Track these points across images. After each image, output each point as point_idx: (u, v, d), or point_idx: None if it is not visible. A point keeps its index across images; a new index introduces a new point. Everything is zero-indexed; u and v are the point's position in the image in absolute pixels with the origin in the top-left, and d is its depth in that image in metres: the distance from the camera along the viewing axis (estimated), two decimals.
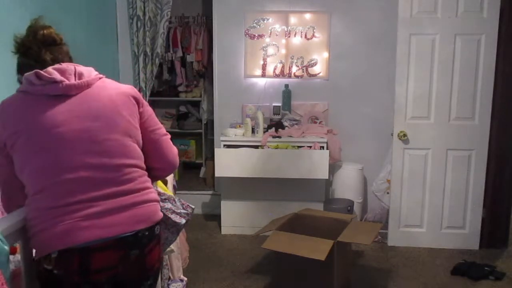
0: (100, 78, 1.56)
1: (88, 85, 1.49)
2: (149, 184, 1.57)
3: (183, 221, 1.95)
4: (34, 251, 1.45)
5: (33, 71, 1.43)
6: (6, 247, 1.25)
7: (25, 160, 1.40)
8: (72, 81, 1.45)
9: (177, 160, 1.69)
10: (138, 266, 1.50)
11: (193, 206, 2.06)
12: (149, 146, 1.60)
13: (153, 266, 1.56)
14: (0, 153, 1.44)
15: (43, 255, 1.39)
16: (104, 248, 1.40)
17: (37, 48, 1.48)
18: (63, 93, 1.44)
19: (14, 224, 1.39)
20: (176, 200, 2.02)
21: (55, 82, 1.42)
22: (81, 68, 1.52)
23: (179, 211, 1.96)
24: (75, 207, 1.37)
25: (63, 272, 1.38)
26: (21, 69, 1.50)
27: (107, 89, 1.53)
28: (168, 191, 2.24)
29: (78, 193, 1.39)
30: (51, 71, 1.44)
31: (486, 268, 3.25)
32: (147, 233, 1.49)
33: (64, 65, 1.49)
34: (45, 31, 1.51)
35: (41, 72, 1.42)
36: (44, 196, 1.39)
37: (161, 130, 1.66)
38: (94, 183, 1.41)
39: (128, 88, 1.59)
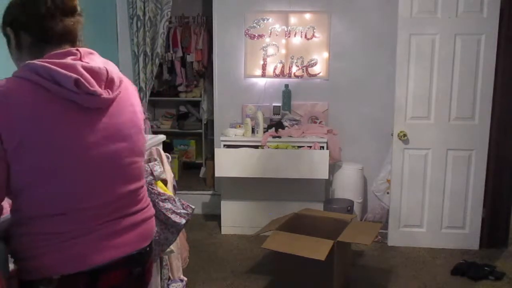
0: (121, 81, 1.32)
1: (118, 95, 1.28)
2: (149, 199, 1.51)
3: (183, 221, 1.94)
4: (26, 273, 1.23)
5: (69, 74, 1.15)
6: (3, 246, 1.25)
7: (45, 176, 1.17)
8: (106, 94, 1.23)
9: None
10: (139, 283, 1.43)
11: (193, 206, 2.05)
12: None
13: (150, 281, 1.50)
14: None
15: (43, 277, 1.21)
16: (112, 268, 1.29)
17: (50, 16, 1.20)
18: (97, 107, 1.22)
19: None
20: (176, 200, 2.02)
21: (93, 94, 1.18)
22: (110, 68, 1.28)
23: (179, 211, 1.96)
24: (91, 230, 1.24)
25: None
26: (14, 25, 1.23)
27: (129, 97, 1.35)
28: (168, 191, 2.24)
29: (98, 218, 1.25)
30: (89, 78, 1.19)
31: (486, 268, 3.25)
32: (148, 249, 1.43)
33: (95, 65, 1.23)
34: None
35: (82, 81, 1.16)
36: (63, 220, 1.20)
37: None
38: (115, 209, 1.30)
39: (136, 92, 1.45)
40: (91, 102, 1.19)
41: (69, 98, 1.16)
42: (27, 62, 1.16)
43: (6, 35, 1.27)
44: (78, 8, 1.29)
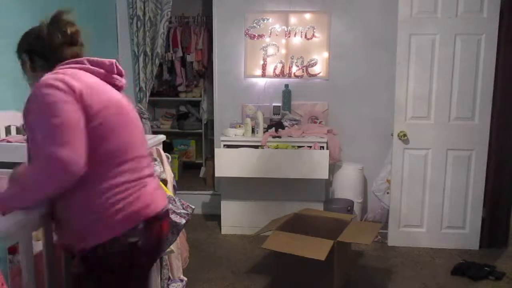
0: None
1: None
2: None
3: (183, 221, 1.95)
4: (109, 231, 1.42)
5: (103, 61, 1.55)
6: (3, 244, 1.25)
7: (114, 130, 1.45)
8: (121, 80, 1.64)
9: None
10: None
11: (193, 206, 2.06)
12: None
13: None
14: (73, 102, 1.36)
15: (132, 227, 1.44)
16: (166, 217, 1.61)
17: (56, 38, 1.51)
18: (121, 86, 1.63)
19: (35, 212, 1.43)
20: (176, 200, 2.02)
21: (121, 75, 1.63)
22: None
23: (179, 211, 1.96)
24: (146, 183, 1.53)
25: (146, 242, 1.48)
26: (31, 51, 1.53)
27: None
28: (168, 191, 2.24)
29: (146, 169, 1.56)
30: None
31: (486, 268, 3.25)
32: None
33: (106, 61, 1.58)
34: (72, 28, 1.54)
35: (117, 64, 1.59)
36: (127, 169, 1.47)
37: None
38: (149, 165, 1.61)
39: None
40: (120, 81, 1.60)
41: (106, 79, 1.53)
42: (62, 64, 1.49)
43: (21, 59, 1.55)
44: (80, 40, 1.58)
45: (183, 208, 1.95)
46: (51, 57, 1.50)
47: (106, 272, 1.45)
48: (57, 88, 1.36)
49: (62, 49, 1.51)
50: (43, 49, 1.51)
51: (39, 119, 1.35)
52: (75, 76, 1.42)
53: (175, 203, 1.99)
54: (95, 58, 1.54)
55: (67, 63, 1.49)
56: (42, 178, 1.33)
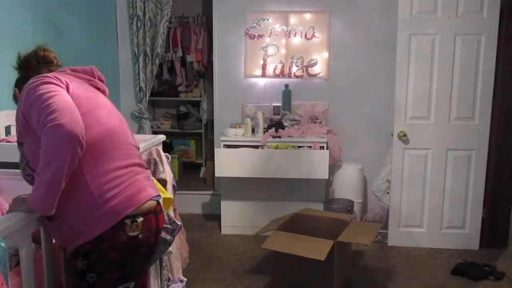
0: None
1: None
2: None
3: (168, 237, 1.94)
4: (108, 219, 1.46)
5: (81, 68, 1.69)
6: (3, 244, 1.25)
7: (99, 121, 1.53)
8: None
9: None
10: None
11: (179, 222, 2.04)
12: None
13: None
14: (63, 88, 1.49)
15: (128, 214, 1.48)
16: (161, 211, 1.67)
17: (36, 63, 1.63)
18: (103, 90, 1.74)
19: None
20: (164, 214, 1.99)
21: (102, 81, 1.76)
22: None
23: (165, 225, 1.94)
24: (138, 169, 1.61)
25: (146, 235, 1.54)
26: (20, 81, 1.62)
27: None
28: (167, 192, 2.23)
29: (136, 158, 1.64)
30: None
31: (486, 268, 3.25)
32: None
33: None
34: (45, 52, 1.67)
35: (96, 69, 1.72)
36: (115, 155, 1.53)
37: None
38: (137, 155, 1.67)
39: None
40: (102, 86, 1.72)
41: (90, 83, 1.66)
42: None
43: (14, 95, 1.69)
44: (55, 60, 1.70)
45: (169, 224, 1.94)
46: (30, 70, 1.62)
47: (107, 265, 1.48)
48: (46, 78, 1.48)
49: (36, 65, 1.64)
50: (27, 74, 1.60)
51: (33, 102, 1.42)
52: (59, 74, 1.56)
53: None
54: (77, 67, 1.68)
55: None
56: (54, 151, 1.35)
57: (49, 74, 1.52)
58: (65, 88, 1.49)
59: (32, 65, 1.62)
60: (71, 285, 1.56)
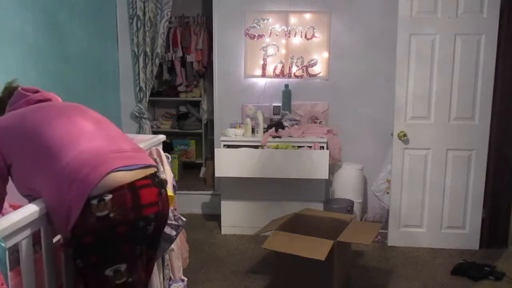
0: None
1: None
2: None
3: (174, 232, 1.95)
4: (78, 201, 1.44)
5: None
6: (3, 244, 1.26)
7: (48, 125, 1.59)
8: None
9: None
10: (167, 204, 1.69)
11: (184, 219, 2.05)
12: None
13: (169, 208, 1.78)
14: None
15: (92, 192, 1.43)
16: (146, 186, 1.54)
17: (7, 101, 1.76)
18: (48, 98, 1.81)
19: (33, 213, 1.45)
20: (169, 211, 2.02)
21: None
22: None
23: (170, 222, 1.95)
24: (97, 149, 1.57)
25: (120, 212, 1.45)
26: None
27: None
28: (169, 190, 2.23)
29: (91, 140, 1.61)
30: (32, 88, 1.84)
31: (486, 268, 3.25)
32: (160, 178, 1.68)
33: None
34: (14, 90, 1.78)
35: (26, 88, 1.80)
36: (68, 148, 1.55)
37: None
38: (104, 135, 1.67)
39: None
40: (41, 96, 1.77)
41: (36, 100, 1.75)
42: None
43: None
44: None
45: (174, 220, 1.94)
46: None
47: (85, 250, 1.47)
48: None
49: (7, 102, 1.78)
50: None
51: None
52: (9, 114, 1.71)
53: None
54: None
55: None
56: None
57: None
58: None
59: (4, 105, 1.77)
60: (71, 271, 1.57)
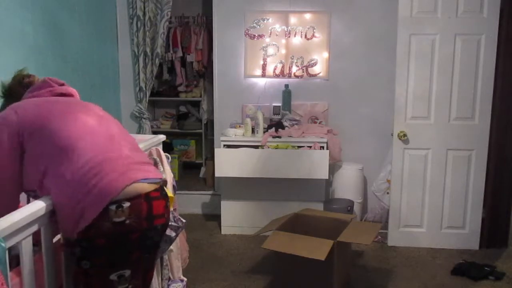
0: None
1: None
2: None
3: (173, 234, 1.95)
4: (92, 209, 1.46)
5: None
6: (3, 244, 1.26)
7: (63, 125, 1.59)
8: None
9: None
10: (169, 215, 1.73)
11: (184, 220, 2.06)
12: None
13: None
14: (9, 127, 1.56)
15: (113, 198, 1.47)
16: (157, 198, 1.60)
17: (22, 90, 1.75)
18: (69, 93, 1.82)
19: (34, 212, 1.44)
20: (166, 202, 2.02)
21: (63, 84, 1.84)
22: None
23: (170, 223, 1.96)
24: (112, 156, 1.59)
25: (135, 220, 1.51)
26: (3, 108, 1.73)
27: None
28: (168, 191, 2.23)
29: (110, 149, 1.62)
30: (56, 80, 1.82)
31: (486, 268, 3.25)
32: (163, 192, 1.70)
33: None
34: (29, 79, 1.80)
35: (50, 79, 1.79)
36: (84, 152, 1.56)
37: None
38: (116, 143, 1.67)
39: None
40: (65, 90, 1.79)
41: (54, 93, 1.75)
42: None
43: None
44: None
45: (174, 221, 1.95)
46: (15, 98, 1.76)
47: (96, 251, 1.49)
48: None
49: (22, 92, 1.77)
50: (10, 102, 1.73)
51: None
52: (26, 104, 1.67)
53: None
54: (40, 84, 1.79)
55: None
56: None
57: (12, 110, 1.61)
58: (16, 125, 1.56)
59: (17, 93, 1.74)
60: (71, 271, 1.57)
